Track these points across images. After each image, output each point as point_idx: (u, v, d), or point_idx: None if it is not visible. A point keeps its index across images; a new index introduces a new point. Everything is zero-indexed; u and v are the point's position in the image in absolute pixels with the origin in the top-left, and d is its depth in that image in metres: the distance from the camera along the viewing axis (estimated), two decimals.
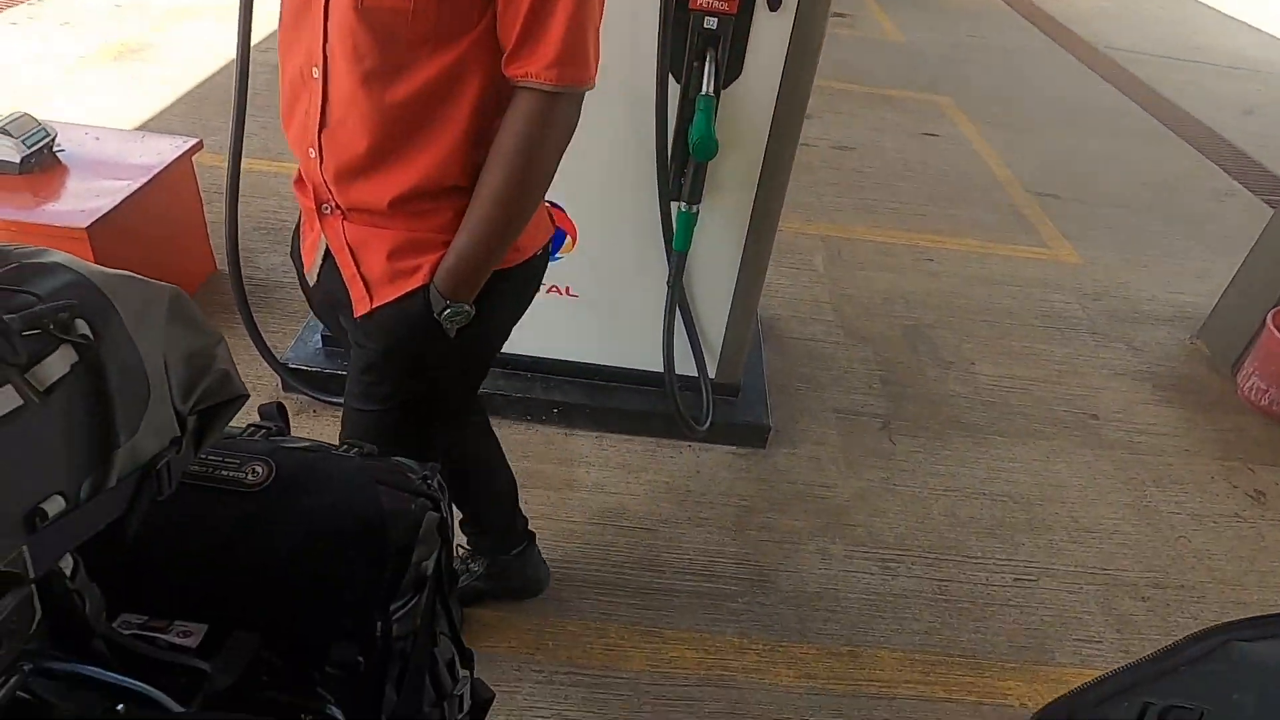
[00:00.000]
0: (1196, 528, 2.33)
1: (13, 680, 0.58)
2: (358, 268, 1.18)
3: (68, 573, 0.59)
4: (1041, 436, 2.58)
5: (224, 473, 0.81)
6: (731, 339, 2.28)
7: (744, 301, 2.21)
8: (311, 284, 1.28)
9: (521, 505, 1.76)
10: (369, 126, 1.07)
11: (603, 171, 2.00)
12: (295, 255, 1.36)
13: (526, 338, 2.30)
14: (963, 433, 2.55)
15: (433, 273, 1.15)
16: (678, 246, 2.00)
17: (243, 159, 1.85)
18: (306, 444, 0.90)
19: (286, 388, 2.29)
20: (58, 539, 0.55)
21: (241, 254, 2.03)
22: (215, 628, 0.77)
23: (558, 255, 2.12)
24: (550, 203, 2.04)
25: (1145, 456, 2.56)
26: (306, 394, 2.25)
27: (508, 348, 2.30)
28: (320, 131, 1.11)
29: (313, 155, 1.13)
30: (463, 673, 0.96)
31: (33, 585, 0.51)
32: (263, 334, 2.14)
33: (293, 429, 1.02)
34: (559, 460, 2.23)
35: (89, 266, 0.64)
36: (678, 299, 2.11)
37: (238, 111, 1.75)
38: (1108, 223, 3.95)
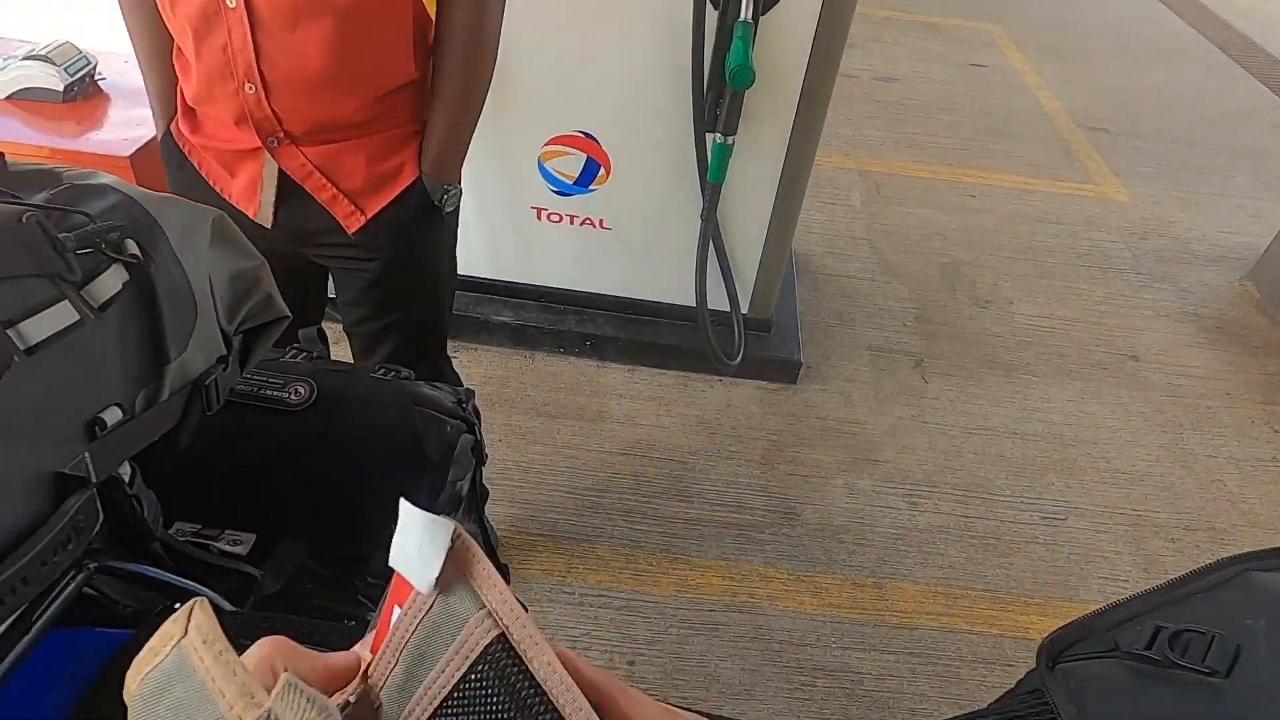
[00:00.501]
0: (1233, 472, 2.30)
1: (79, 576, 0.62)
2: (336, 187, 1.15)
3: (126, 479, 0.62)
4: (1078, 377, 2.55)
5: (268, 392, 0.85)
6: (765, 274, 2.27)
7: (778, 236, 2.19)
8: (270, 226, 1.18)
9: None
10: (322, 38, 1.02)
11: (637, 101, 1.97)
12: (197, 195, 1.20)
13: (560, 270, 2.32)
14: (997, 372, 2.53)
15: (418, 164, 1.18)
16: (712, 178, 1.98)
17: None
18: (346, 367, 0.93)
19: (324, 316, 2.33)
20: (116, 447, 0.58)
21: None
22: (263, 537, 0.82)
23: (591, 187, 2.12)
24: (583, 133, 2.04)
25: (1185, 399, 2.52)
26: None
27: (543, 280, 2.33)
28: (259, 61, 1.03)
29: (251, 90, 1.06)
30: None
31: (95, 488, 0.55)
32: None
33: (332, 353, 1.05)
34: (590, 392, 2.26)
35: (136, 189, 0.65)
36: (711, 232, 2.09)
37: None
38: (1160, 159, 3.81)
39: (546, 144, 2.05)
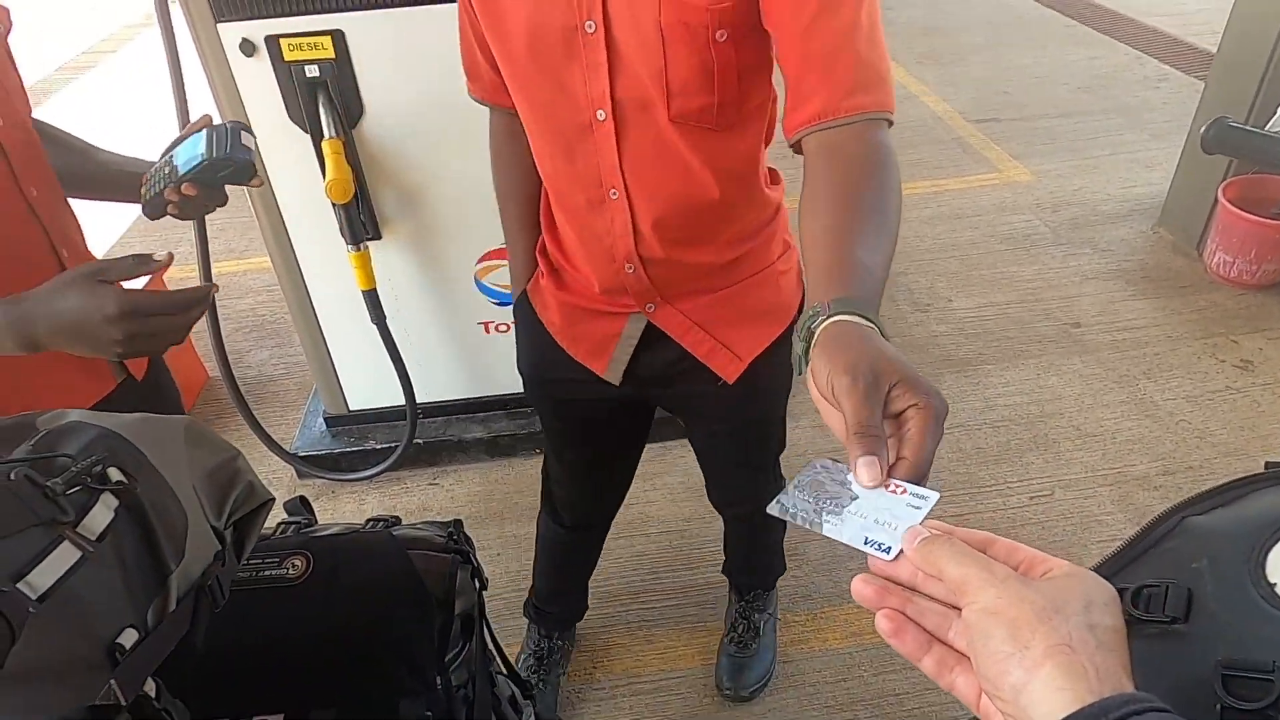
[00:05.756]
0: (1193, 409, 2.40)
1: None
2: (716, 340, 1.16)
3: (153, 695, 0.65)
4: (1029, 355, 2.65)
5: (267, 572, 0.88)
6: None
7: None
8: (618, 383, 1.20)
9: None
10: (694, 213, 1.05)
11: None
12: (560, 370, 1.25)
13: (519, 375, 2.36)
14: (953, 369, 2.61)
15: (794, 299, 1.19)
16: None
17: (211, 264, 1.91)
18: (336, 529, 0.97)
19: (301, 475, 2.35)
20: (139, 667, 0.61)
21: (230, 356, 2.09)
22: (291, 714, 0.84)
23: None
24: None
25: (1131, 352, 2.63)
26: (321, 477, 2.31)
27: (505, 389, 2.37)
28: (636, 244, 1.06)
29: (630, 270, 1.09)
30: (525, 703, 1.03)
31: (127, 713, 0.58)
32: (267, 430, 2.19)
33: (318, 515, 1.09)
34: None
35: (105, 416, 0.70)
36: None
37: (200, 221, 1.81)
38: (1051, 134, 4.03)
39: (479, 261, 2.13)
